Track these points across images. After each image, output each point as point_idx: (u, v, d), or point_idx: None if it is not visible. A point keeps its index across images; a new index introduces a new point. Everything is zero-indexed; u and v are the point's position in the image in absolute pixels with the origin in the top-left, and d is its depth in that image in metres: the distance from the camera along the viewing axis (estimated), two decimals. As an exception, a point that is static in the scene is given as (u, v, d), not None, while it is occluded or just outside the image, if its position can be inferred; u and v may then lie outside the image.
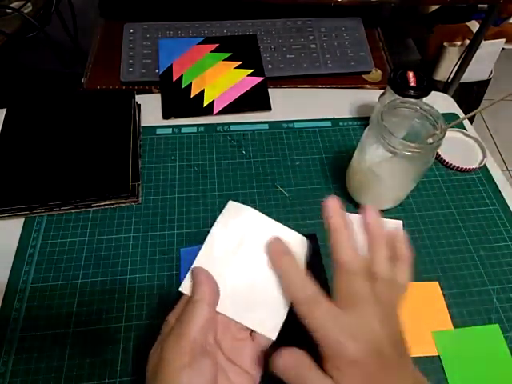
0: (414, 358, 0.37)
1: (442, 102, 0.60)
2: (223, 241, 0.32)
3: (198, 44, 0.65)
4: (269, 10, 0.72)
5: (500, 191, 0.51)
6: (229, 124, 0.56)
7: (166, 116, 0.56)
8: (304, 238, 0.33)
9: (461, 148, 0.55)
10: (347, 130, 0.56)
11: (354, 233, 0.31)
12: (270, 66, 0.65)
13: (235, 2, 0.70)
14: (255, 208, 0.34)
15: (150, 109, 0.56)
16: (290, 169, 0.51)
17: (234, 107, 0.57)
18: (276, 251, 0.31)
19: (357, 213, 0.47)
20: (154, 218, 0.46)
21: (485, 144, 0.54)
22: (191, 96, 0.58)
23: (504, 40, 1.12)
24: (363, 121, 0.57)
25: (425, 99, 0.47)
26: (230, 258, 0.32)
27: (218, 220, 0.33)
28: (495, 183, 0.51)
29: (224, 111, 0.57)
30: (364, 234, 0.31)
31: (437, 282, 0.43)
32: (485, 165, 0.53)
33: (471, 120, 1.27)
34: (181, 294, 0.31)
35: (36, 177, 0.46)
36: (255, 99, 0.59)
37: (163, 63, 0.62)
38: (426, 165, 0.41)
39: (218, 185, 0.49)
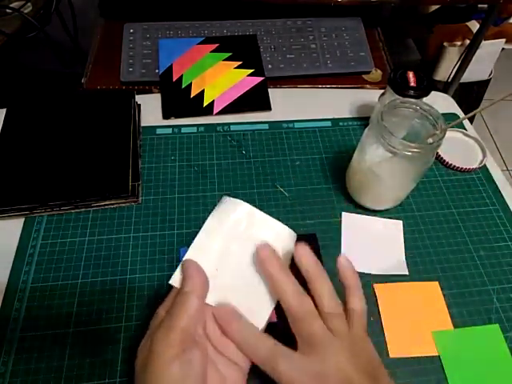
0: (413, 358, 0.38)
1: (441, 102, 0.60)
2: (215, 234, 0.32)
3: (198, 44, 0.65)
4: (269, 10, 0.72)
5: (500, 191, 0.51)
6: (229, 124, 0.56)
7: (165, 116, 0.56)
8: (293, 234, 0.34)
9: (461, 148, 0.55)
10: (347, 130, 0.56)
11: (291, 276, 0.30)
12: (269, 66, 0.65)
13: (235, 2, 0.70)
14: (255, 208, 0.34)
15: (150, 109, 0.56)
16: (290, 169, 0.51)
17: (234, 107, 0.57)
18: (223, 320, 0.30)
19: (357, 213, 0.47)
20: (154, 217, 0.46)
21: (485, 144, 0.54)
22: (191, 96, 0.58)
23: (504, 40, 1.12)
24: (363, 121, 0.57)
25: (425, 99, 0.47)
26: (221, 251, 0.32)
27: (212, 213, 0.33)
28: (495, 183, 0.51)
29: (224, 111, 0.57)
30: (302, 272, 0.31)
31: (437, 282, 0.43)
32: (485, 165, 0.53)
33: (471, 120, 1.27)
34: (171, 287, 0.31)
35: (36, 177, 0.46)
36: (255, 99, 0.59)
37: (163, 63, 0.62)
38: (426, 165, 0.41)
39: (217, 185, 0.49)
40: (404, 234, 0.46)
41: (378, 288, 0.42)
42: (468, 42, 1.03)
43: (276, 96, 0.59)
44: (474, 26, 1.07)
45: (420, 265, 0.44)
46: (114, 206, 0.46)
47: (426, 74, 0.48)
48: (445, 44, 1.11)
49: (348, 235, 0.45)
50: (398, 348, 0.38)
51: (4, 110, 0.52)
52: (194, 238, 0.44)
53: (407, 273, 0.43)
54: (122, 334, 0.38)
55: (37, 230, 0.44)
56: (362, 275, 0.42)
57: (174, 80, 0.60)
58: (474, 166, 0.52)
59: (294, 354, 0.28)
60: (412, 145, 0.37)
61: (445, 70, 1.12)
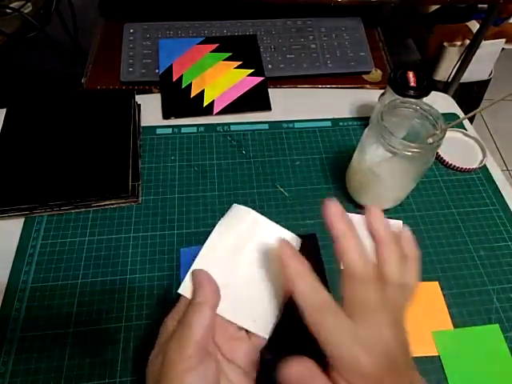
0: (414, 358, 0.38)
1: (441, 102, 0.60)
2: (223, 243, 0.32)
3: (198, 44, 0.65)
4: (269, 10, 0.72)
5: (500, 191, 0.51)
6: (229, 124, 0.56)
7: (165, 116, 0.56)
8: (298, 239, 0.34)
9: (461, 148, 0.55)
10: (347, 130, 0.56)
11: (359, 236, 0.29)
12: (269, 66, 0.65)
13: (235, 2, 0.70)
14: (255, 208, 0.34)
15: (150, 109, 0.56)
16: (290, 169, 0.51)
17: (234, 107, 0.57)
18: (287, 254, 0.29)
19: (357, 213, 0.47)
20: (154, 217, 0.46)
21: (485, 144, 0.54)
22: (191, 96, 0.58)
23: (504, 40, 1.12)
24: (363, 121, 0.57)
25: (425, 99, 0.47)
26: (228, 259, 0.32)
27: (220, 222, 0.33)
28: (495, 183, 0.51)
29: (224, 111, 0.57)
30: (370, 236, 0.30)
31: (437, 282, 0.43)
32: (485, 165, 0.53)
33: (471, 120, 1.27)
34: (179, 295, 0.30)
35: (36, 177, 0.46)
36: (255, 99, 0.59)
37: (163, 63, 0.62)
38: (426, 165, 0.41)
39: (217, 185, 0.49)
40: (404, 233, 0.46)
41: (378, 288, 0.42)
42: (468, 42, 1.03)
43: (276, 96, 0.59)
44: (474, 26, 1.07)
45: (420, 265, 0.44)
46: (114, 206, 0.46)
47: (426, 74, 0.48)
48: (445, 44, 1.11)
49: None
50: (398, 348, 0.38)
51: (4, 110, 0.52)
52: (194, 238, 0.44)
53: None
54: (121, 334, 0.38)
55: (37, 230, 0.44)
56: (362, 275, 0.42)
57: (173, 80, 0.60)
58: (474, 166, 0.52)
59: (344, 316, 0.27)
60: (412, 145, 0.37)
61: (445, 70, 1.12)
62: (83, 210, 0.46)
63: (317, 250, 0.44)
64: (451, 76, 1.06)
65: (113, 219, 0.45)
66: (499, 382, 0.37)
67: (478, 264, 0.44)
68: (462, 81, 1.06)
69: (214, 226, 0.45)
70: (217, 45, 0.64)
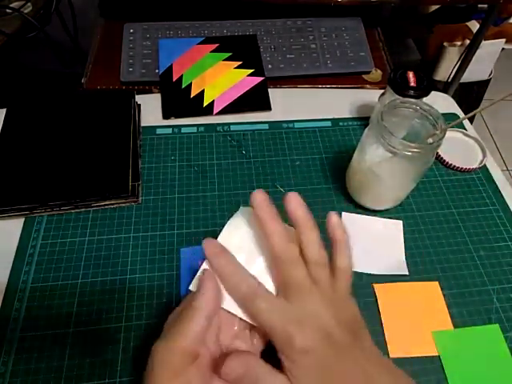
0: (413, 358, 0.38)
1: (441, 102, 0.60)
2: (230, 242, 0.32)
3: (198, 44, 0.65)
4: (269, 10, 0.72)
5: (500, 191, 0.51)
6: (229, 124, 0.56)
7: (165, 116, 0.56)
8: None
9: (461, 148, 0.55)
10: (347, 130, 0.56)
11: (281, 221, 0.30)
12: (270, 66, 0.65)
13: (235, 2, 0.70)
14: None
15: (150, 109, 0.56)
16: (290, 169, 0.51)
17: (234, 107, 0.57)
18: (211, 253, 0.30)
19: (357, 213, 0.47)
20: (154, 217, 0.46)
21: (485, 144, 0.54)
22: (191, 96, 0.58)
23: (504, 40, 1.12)
24: (363, 121, 0.57)
25: (425, 99, 0.47)
26: (238, 256, 0.32)
27: (227, 223, 0.33)
28: (495, 183, 0.51)
29: (224, 111, 0.57)
30: (292, 223, 0.30)
31: (437, 282, 0.43)
32: (485, 165, 0.53)
33: (471, 120, 1.27)
34: (179, 295, 0.30)
35: (36, 177, 0.46)
36: (255, 99, 0.59)
37: (163, 63, 0.62)
38: (426, 165, 0.41)
39: (217, 185, 0.49)
40: (404, 234, 0.46)
41: (378, 288, 0.42)
42: (468, 42, 1.03)
43: (276, 96, 0.59)
44: (474, 26, 1.07)
45: (420, 265, 0.44)
46: (114, 205, 0.46)
47: (426, 74, 0.48)
48: (445, 44, 1.11)
49: (348, 235, 0.45)
50: (398, 348, 0.38)
51: (4, 110, 0.52)
52: (194, 238, 0.44)
53: (407, 273, 0.43)
54: (121, 334, 0.38)
55: (37, 230, 0.44)
56: (361, 275, 0.43)
57: (174, 80, 0.60)
58: (474, 166, 0.52)
59: (274, 297, 0.28)
60: (412, 145, 0.37)
61: (445, 70, 1.12)
62: (83, 210, 0.46)
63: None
64: (451, 76, 1.06)
65: (113, 219, 0.45)
66: (499, 382, 0.37)
67: (478, 264, 0.44)
68: (462, 81, 1.06)
69: (213, 226, 0.45)
70: (217, 45, 0.64)
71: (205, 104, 0.57)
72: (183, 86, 0.59)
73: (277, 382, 0.26)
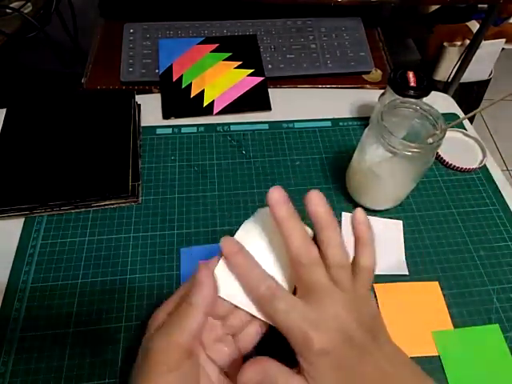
0: (413, 357, 0.38)
1: (441, 102, 0.60)
2: (247, 241, 0.32)
3: (198, 44, 0.65)
4: (269, 10, 0.72)
5: (500, 191, 0.51)
6: (229, 124, 0.56)
7: (165, 116, 0.56)
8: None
9: (461, 148, 0.55)
10: (347, 130, 0.56)
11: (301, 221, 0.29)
12: (270, 66, 0.65)
13: (235, 2, 0.70)
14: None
15: (150, 109, 0.56)
16: (290, 169, 0.51)
17: (234, 107, 0.57)
18: (229, 251, 0.29)
19: (357, 213, 0.47)
20: (154, 217, 0.46)
21: (485, 144, 0.54)
22: (191, 96, 0.58)
23: (504, 40, 1.12)
24: (363, 121, 0.57)
25: (425, 99, 0.47)
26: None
27: (244, 222, 0.33)
28: (495, 183, 0.51)
29: (224, 111, 0.57)
30: (312, 222, 0.30)
31: (437, 282, 0.43)
32: (485, 165, 0.53)
33: (471, 120, 1.27)
34: (171, 287, 0.30)
35: (36, 177, 0.46)
36: (255, 99, 0.59)
37: (163, 63, 0.62)
38: (426, 165, 0.41)
39: (217, 185, 0.49)
40: (404, 234, 0.46)
41: (378, 288, 0.42)
42: (468, 42, 1.03)
43: (276, 96, 0.59)
44: (474, 26, 1.07)
45: (420, 265, 0.44)
46: (114, 206, 0.46)
47: (426, 74, 0.48)
48: (445, 44, 1.11)
49: (348, 235, 0.45)
50: (398, 348, 0.38)
51: (4, 110, 0.52)
52: (194, 238, 0.44)
53: (407, 273, 0.43)
54: (121, 334, 0.38)
55: (37, 230, 0.44)
56: (362, 275, 0.42)
57: (174, 80, 0.60)
58: (474, 166, 0.52)
59: (294, 298, 0.28)
60: (412, 145, 0.37)
61: (445, 70, 1.12)
62: (83, 210, 0.46)
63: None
64: (451, 76, 1.06)
65: (113, 219, 0.45)
66: (499, 382, 0.37)
67: (478, 264, 0.44)
68: (462, 81, 1.06)
69: (213, 226, 0.45)
70: (217, 45, 0.64)
71: (205, 104, 0.57)
72: (183, 86, 0.59)
73: (300, 382, 0.26)
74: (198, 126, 0.55)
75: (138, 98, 0.55)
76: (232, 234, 0.44)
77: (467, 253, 0.45)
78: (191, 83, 0.59)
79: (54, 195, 0.44)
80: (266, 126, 0.56)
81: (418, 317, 0.40)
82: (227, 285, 0.30)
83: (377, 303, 0.41)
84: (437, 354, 0.38)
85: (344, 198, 0.49)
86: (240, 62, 0.62)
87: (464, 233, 0.47)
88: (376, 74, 0.69)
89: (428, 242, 0.46)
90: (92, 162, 0.47)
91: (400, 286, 0.42)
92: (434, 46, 1.14)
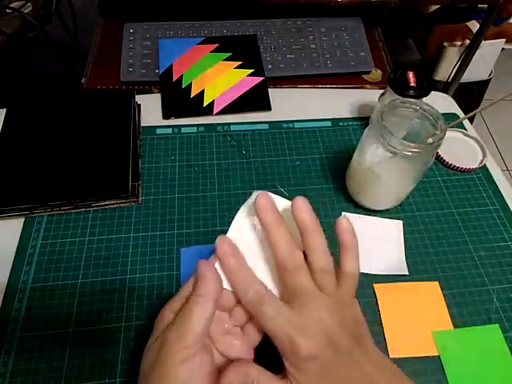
0: (413, 358, 0.38)
1: (442, 102, 0.60)
2: (243, 226, 0.32)
3: (198, 44, 0.65)
4: (269, 10, 0.72)
5: (500, 191, 0.51)
6: (229, 124, 0.56)
7: (165, 116, 0.56)
8: None
9: (461, 148, 0.55)
10: (347, 130, 0.56)
11: (286, 227, 0.30)
12: (270, 66, 0.65)
13: (235, 2, 0.70)
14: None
15: (150, 109, 0.56)
16: (290, 169, 0.51)
17: (234, 107, 0.57)
18: (222, 252, 0.30)
19: (357, 213, 0.47)
20: (154, 217, 0.46)
21: (485, 144, 0.54)
22: (191, 96, 0.58)
23: (504, 40, 1.12)
24: (363, 121, 0.57)
25: (425, 99, 0.47)
26: (248, 240, 0.32)
27: (241, 208, 0.33)
28: (495, 183, 0.51)
29: (224, 111, 0.57)
30: (297, 227, 0.30)
31: (437, 282, 0.43)
32: (485, 165, 0.53)
33: (471, 120, 1.27)
34: (172, 287, 0.30)
35: (36, 177, 0.46)
36: (255, 99, 0.59)
37: (163, 63, 0.62)
38: (426, 165, 0.41)
39: (217, 185, 0.49)
40: (404, 234, 0.46)
41: (378, 288, 0.42)
42: (468, 42, 1.03)
43: (276, 96, 0.59)
44: (474, 26, 1.07)
45: (420, 265, 0.44)
46: (114, 206, 0.46)
47: (426, 74, 0.48)
48: (445, 44, 1.11)
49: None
50: (398, 348, 0.38)
51: (4, 110, 0.52)
52: (194, 238, 0.44)
53: (407, 273, 0.43)
54: (121, 334, 0.38)
55: (37, 230, 0.44)
56: (361, 275, 0.42)
57: (174, 80, 0.60)
58: (474, 166, 0.52)
59: (281, 303, 0.28)
60: (412, 145, 0.37)
61: (445, 70, 1.12)
62: (83, 210, 0.46)
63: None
64: (451, 76, 1.06)
65: (113, 219, 0.45)
66: (499, 382, 0.37)
67: (478, 264, 0.44)
68: (462, 81, 1.06)
69: (213, 226, 0.45)
70: (217, 45, 0.64)
71: (205, 104, 0.57)
72: (183, 86, 0.59)
73: None
74: (197, 125, 0.55)
75: (138, 98, 0.55)
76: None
77: (467, 253, 0.45)
78: (191, 83, 0.59)
79: (54, 195, 0.44)
80: (266, 126, 0.56)
81: (418, 317, 0.40)
82: None
83: (377, 303, 0.41)
84: (437, 354, 0.38)
85: (344, 197, 0.49)
86: (240, 62, 0.62)
87: (464, 233, 0.47)
88: (376, 74, 0.69)
89: (428, 242, 0.46)
90: (92, 162, 0.47)
91: (400, 285, 0.42)
92: (434, 46, 1.14)
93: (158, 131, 0.54)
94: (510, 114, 1.66)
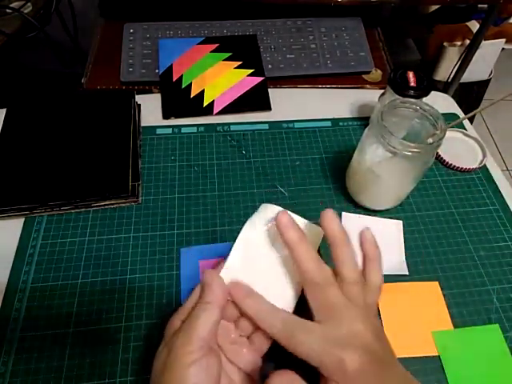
0: (413, 358, 0.38)
1: (442, 102, 0.60)
2: (251, 240, 0.33)
3: (198, 44, 0.65)
4: (269, 10, 0.72)
5: (500, 191, 0.51)
6: (229, 124, 0.56)
7: (165, 116, 0.56)
8: (321, 230, 0.34)
9: (461, 148, 0.55)
10: (347, 130, 0.56)
11: (308, 242, 0.31)
12: (270, 66, 0.65)
13: (235, 2, 0.70)
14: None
15: (150, 109, 0.56)
16: (290, 169, 0.51)
17: (234, 107, 0.57)
18: (239, 297, 0.31)
19: (357, 213, 0.47)
20: (154, 217, 0.46)
21: (485, 144, 0.54)
22: (191, 96, 0.58)
23: (504, 40, 1.12)
24: (363, 121, 0.57)
25: (425, 99, 0.47)
26: (255, 254, 0.32)
27: (249, 219, 0.33)
28: (495, 183, 0.51)
29: (224, 111, 0.57)
30: (326, 238, 0.31)
31: (437, 282, 0.43)
32: (485, 165, 0.53)
33: (471, 120, 1.27)
34: (179, 295, 0.31)
35: (36, 177, 0.46)
36: (255, 99, 0.59)
37: (163, 63, 0.62)
38: (426, 165, 0.41)
39: (217, 185, 0.49)
40: (404, 233, 0.46)
41: (378, 288, 0.42)
42: (468, 42, 1.03)
43: (276, 96, 0.59)
44: (474, 26, 1.07)
45: (420, 265, 0.44)
46: (114, 206, 0.46)
47: (426, 74, 0.48)
48: (445, 44, 1.11)
49: (348, 235, 0.45)
50: (397, 348, 0.38)
51: (4, 110, 0.52)
52: (194, 238, 0.44)
53: (407, 273, 0.43)
54: (121, 334, 0.38)
55: (37, 230, 0.44)
56: (362, 275, 0.42)
57: (173, 80, 0.60)
58: (474, 166, 0.52)
59: (310, 324, 0.28)
60: (412, 145, 0.37)
61: (445, 70, 1.12)
62: (83, 210, 0.46)
63: (317, 250, 0.44)
64: (451, 76, 1.06)
65: (113, 219, 0.45)
66: (499, 382, 0.37)
67: (478, 264, 0.44)
68: (462, 81, 1.06)
69: (213, 226, 0.45)
70: (217, 45, 0.64)
71: (205, 104, 0.57)
72: (183, 86, 0.59)
73: None
74: (197, 126, 0.55)
75: (138, 98, 0.55)
76: (232, 234, 0.45)
77: (467, 253, 0.45)
78: (191, 83, 0.59)
79: (54, 195, 0.44)
80: (266, 126, 0.56)
81: (418, 317, 0.40)
82: None
83: (377, 303, 0.41)
84: (437, 354, 0.38)
85: (344, 197, 0.49)
86: (240, 62, 0.62)
87: (464, 233, 0.47)
88: (376, 74, 0.69)
89: (428, 242, 0.46)
90: (92, 162, 0.47)
91: (400, 285, 0.42)
92: (434, 46, 1.14)
93: (158, 131, 0.54)
94: (509, 113, 1.66)
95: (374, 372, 0.26)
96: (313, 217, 0.47)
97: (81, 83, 0.65)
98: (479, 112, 1.52)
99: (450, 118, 0.57)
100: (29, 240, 0.43)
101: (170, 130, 0.54)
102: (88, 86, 0.64)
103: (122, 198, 0.46)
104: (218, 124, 0.56)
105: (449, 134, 0.54)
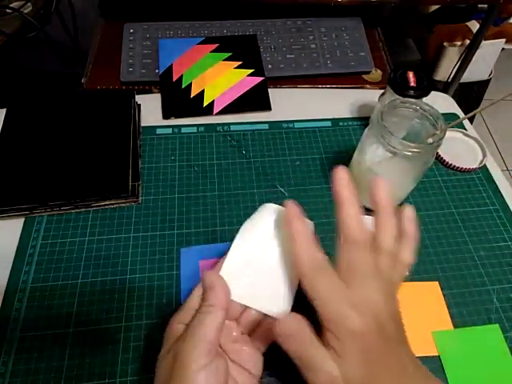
0: (414, 357, 0.38)
1: (442, 102, 0.60)
2: (249, 237, 0.33)
3: (198, 44, 0.65)
4: (269, 10, 0.72)
5: (500, 191, 0.51)
6: (229, 124, 0.56)
7: (165, 116, 0.56)
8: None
9: (461, 148, 0.55)
10: (347, 130, 0.56)
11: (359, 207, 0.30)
12: (270, 66, 0.65)
13: (235, 2, 0.70)
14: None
15: (150, 109, 0.56)
16: (290, 169, 0.51)
17: (234, 107, 0.57)
18: (290, 214, 0.30)
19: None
20: (154, 217, 0.46)
21: (485, 144, 0.54)
22: (191, 96, 0.58)
23: (504, 40, 1.12)
24: (363, 121, 0.57)
25: (425, 99, 0.47)
26: (254, 251, 0.32)
27: (248, 219, 0.33)
28: (495, 183, 0.51)
29: (224, 111, 0.57)
30: (372, 205, 0.31)
31: (437, 282, 0.43)
32: (485, 165, 0.53)
33: (471, 120, 1.27)
34: (179, 295, 0.31)
35: (36, 177, 0.46)
36: (255, 99, 0.59)
37: (163, 63, 0.62)
38: (426, 165, 0.41)
39: (217, 185, 0.49)
40: (404, 233, 0.46)
41: (378, 288, 0.42)
42: (468, 42, 1.03)
43: (276, 96, 0.59)
44: (474, 26, 1.07)
45: (420, 265, 0.44)
46: (114, 206, 0.46)
47: (426, 74, 0.48)
48: (445, 44, 1.11)
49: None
50: (398, 348, 0.38)
51: (4, 110, 0.52)
52: (194, 238, 0.45)
53: (407, 273, 0.43)
54: (121, 334, 0.38)
55: (37, 230, 0.44)
56: (362, 275, 0.42)
57: (173, 80, 0.60)
58: (474, 166, 0.52)
59: (337, 277, 0.28)
60: (412, 145, 0.37)
61: (445, 70, 1.12)
62: (83, 210, 0.46)
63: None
64: (451, 76, 1.06)
65: (113, 219, 0.45)
66: (499, 382, 0.37)
67: (478, 264, 0.44)
68: (462, 81, 1.06)
69: (213, 226, 0.45)
70: (217, 45, 0.64)
71: (205, 104, 0.57)
72: (183, 86, 0.59)
73: (326, 356, 0.26)
74: (197, 126, 0.55)
75: (138, 98, 0.55)
76: (232, 234, 0.44)
77: (467, 253, 0.45)
78: (191, 83, 0.59)
79: (54, 195, 0.44)
80: (266, 126, 0.56)
81: (418, 317, 0.40)
82: (234, 286, 0.31)
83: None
84: (437, 354, 0.38)
85: (344, 197, 0.49)
86: (240, 62, 0.62)
87: (464, 233, 0.47)
88: (376, 74, 0.69)
89: (428, 242, 0.46)
90: (92, 162, 0.47)
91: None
92: (434, 46, 1.14)
93: (158, 131, 0.54)
94: (509, 113, 1.66)
95: (375, 341, 0.26)
96: (313, 217, 0.47)
97: (81, 83, 0.65)
98: (479, 112, 1.52)
99: (450, 117, 0.57)
100: (29, 240, 0.43)
101: (170, 130, 0.54)
102: (88, 85, 0.64)
103: (122, 197, 0.46)
104: (218, 124, 0.56)
105: (449, 133, 0.54)
